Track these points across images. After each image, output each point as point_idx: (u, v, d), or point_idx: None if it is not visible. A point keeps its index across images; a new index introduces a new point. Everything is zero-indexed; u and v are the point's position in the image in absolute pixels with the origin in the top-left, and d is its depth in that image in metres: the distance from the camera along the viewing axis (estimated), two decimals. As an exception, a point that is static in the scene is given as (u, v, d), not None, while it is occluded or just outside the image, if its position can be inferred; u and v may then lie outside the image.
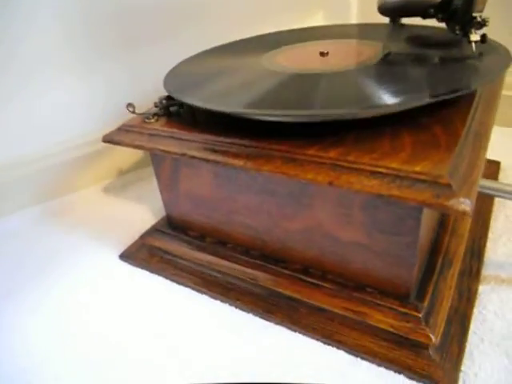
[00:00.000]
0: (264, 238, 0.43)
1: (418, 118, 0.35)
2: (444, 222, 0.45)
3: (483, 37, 0.41)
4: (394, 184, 0.29)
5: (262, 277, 0.43)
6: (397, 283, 0.37)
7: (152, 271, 0.49)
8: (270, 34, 0.57)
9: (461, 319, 0.38)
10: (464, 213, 0.27)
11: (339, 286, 0.39)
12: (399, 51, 0.45)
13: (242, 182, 0.40)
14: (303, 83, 0.40)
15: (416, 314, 0.36)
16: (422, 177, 0.29)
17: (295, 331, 0.40)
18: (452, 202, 0.27)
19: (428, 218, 0.35)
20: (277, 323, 0.41)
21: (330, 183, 0.31)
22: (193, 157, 0.38)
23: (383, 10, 0.45)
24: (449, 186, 0.28)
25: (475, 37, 0.40)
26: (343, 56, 0.45)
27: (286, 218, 0.40)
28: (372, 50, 0.45)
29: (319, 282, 0.40)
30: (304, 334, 0.40)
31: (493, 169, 0.59)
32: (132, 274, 0.49)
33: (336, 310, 0.39)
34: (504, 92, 0.71)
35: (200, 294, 0.45)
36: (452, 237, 0.44)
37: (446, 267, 0.40)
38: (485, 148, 0.34)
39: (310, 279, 0.41)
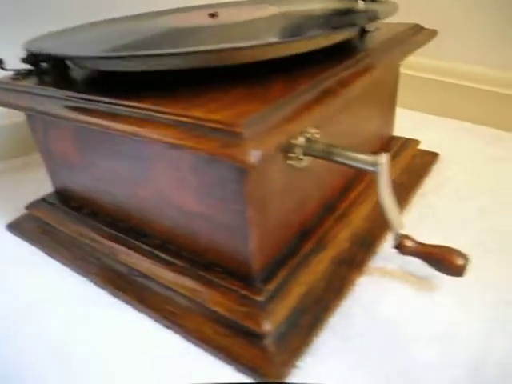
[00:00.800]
0: (125, 208, 0.39)
1: (273, 75, 0.31)
2: (333, 205, 0.40)
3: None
4: (190, 133, 0.25)
5: (123, 252, 0.39)
6: (239, 261, 0.32)
7: (33, 242, 0.46)
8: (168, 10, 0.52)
9: (318, 310, 0.33)
10: (249, 165, 0.22)
11: (189, 264, 0.35)
12: (294, 10, 0.41)
13: (99, 144, 0.36)
14: (177, 35, 0.36)
15: (255, 298, 0.31)
16: (218, 125, 0.24)
17: (141, 311, 0.36)
18: (236, 151, 0.23)
19: (264, 184, 0.31)
20: (125, 302, 0.37)
21: (133, 134, 0.27)
22: (50, 114, 0.35)
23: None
24: (240, 135, 0.23)
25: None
26: (232, 16, 0.41)
27: (136, 184, 0.36)
28: (265, 11, 0.41)
29: (172, 259, 0.36)
30: (149, 316, 0.35)
31: (426, 159, 0.54)
32: (17, 245, 0.46)
33: (181, 291, 0.34)
34: (454, 81, 0.65)
35: (68, 268, 0.42)
36: (338, 221, 0.39)
37: (315, 252, 0.36)
38: (333, 107, 0.29)
39: (164, 255, 0.37)
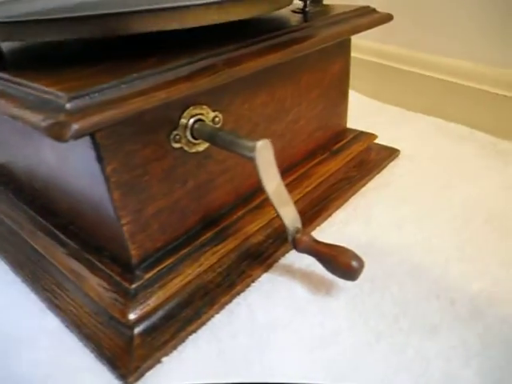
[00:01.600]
0: (34, 187, 0.38)
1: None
2: (249, 197, 0.38)
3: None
4: (25, 105, 0.23)
5: (29, 230, 0.38)
6: (120, 245, 0.30)
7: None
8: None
9: (202, 305, 0.31)
10: (64, 140, 0.21)
11: (81, 246, 0.34)
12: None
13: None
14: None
15: (126, 285, 0.29)
16: (47, 97, 0.23)
17: (32, 291, 0.35)
18: (54, 125, 0.21)
19: (135, 166, 0.29)
20: (23, 280, 0.36)
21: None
22: None
23: None
24: (62, 107, 0.22)
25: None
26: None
27: (32, 162, 0.35)
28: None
29: (68, 240, 0.35)
30: (38, 296, 0.34)
31: (383, 155, 0.50)
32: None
33: (68, 273, 0.33)
34: (426, 72, 0.61)
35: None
36: (250, 213, 0.37)
37: (214, 242, 0.34)
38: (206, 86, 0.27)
39: (62, 236, 0.35)
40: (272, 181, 0.28)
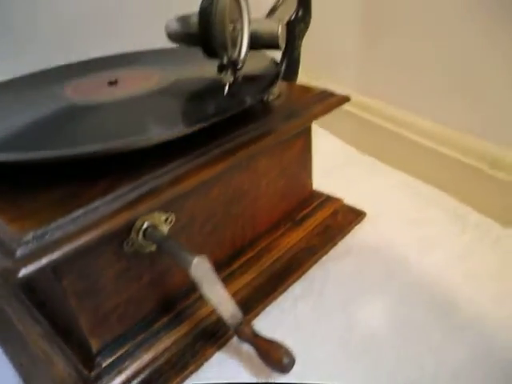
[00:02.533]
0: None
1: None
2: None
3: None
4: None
5: (13, 304, 0.42)
6: (81, 335, 0.34)
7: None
8: (79, 63, 0.54)
9: None
10: (18, 280, 0.24)
11: (53, 328, 0.38)
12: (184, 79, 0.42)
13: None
14: (66, 117, 0.38)
15: (87, 372, 0.33)
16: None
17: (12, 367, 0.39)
18: (6, 269, 0.25)
19: (90, 275, 0.33)
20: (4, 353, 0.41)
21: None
22: None
23: (171, 39, 0.42)
24: (13, 253, 0.25)
25: (228, 78, 0.36)
26: (130, 85, 0.43)
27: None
28: (159, 78, 0.43)
29: (42, 318, 0.39)
30: (16, 370, 0.39)
31: (349, 219, 0.53)
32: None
33: (39, 352, 0.37)
34: (401, 130, 0.63)
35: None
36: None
37: (170, 326, 0.37)
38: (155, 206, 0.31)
39: (37, 313, 0.40)
40: (210, 288, 0.32)
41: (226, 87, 0.36)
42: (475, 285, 0.43)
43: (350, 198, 0.55)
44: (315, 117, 0.43)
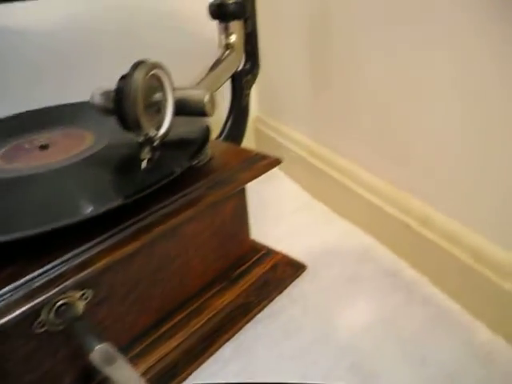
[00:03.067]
0: None
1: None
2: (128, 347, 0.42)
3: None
4: None
5: None
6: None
7: None
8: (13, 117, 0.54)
9: None
10: None
11: None
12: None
13: None
14: None
15: None
16: None
17: None
18: None
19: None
20: None
21: None
22: None
23: (95, 110, 0.42)
24: None
25: (145, 155, 0.37)
26: (59, 151, 0.43)
27: None
28: (91, 142, 0.44)
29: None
30: None
31: (288, 272, 0.54)
32: None
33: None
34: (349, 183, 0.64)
35: None
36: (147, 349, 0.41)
37: None
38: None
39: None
40: (114, 371, 0.32)
41: (144, 163, 0.37)
42: (399, 348, 0.44)
43: (295, 248, 0.56)
44: (244, 183, 0.44)
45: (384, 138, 0.56)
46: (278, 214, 0.67)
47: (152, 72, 0.37)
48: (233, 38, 0.57)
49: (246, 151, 0.47)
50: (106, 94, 0.39)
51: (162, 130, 0.38)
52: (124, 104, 0.35)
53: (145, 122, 0.36)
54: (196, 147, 0.43)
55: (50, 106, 0.56)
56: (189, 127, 0.47)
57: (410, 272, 0.53)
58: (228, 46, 0.58)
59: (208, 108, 0.44)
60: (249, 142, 0.74)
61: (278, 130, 0.80)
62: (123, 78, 0.37)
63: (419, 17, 0.46)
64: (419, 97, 0.48)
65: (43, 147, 0.44)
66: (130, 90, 0.35)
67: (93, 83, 0.41)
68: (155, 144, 0.37)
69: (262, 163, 0.46)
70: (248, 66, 0.63)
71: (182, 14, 0.77)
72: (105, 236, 0.34)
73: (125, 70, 0.36)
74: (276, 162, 0.47)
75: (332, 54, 0.63)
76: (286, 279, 0.53)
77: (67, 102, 0.56)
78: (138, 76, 0.35)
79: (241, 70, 0.62)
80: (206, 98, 0.43)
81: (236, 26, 0.57)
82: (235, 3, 0.55)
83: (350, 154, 0.63)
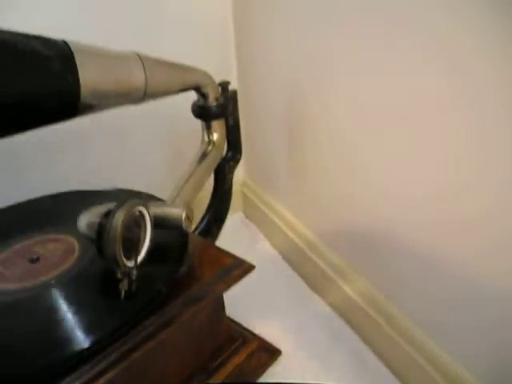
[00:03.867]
0: None
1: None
2: None
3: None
4: None
5: None
6: None
7: None
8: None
9: None
10: None
11: None
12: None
13: None
14: None
15: None
16: None
17: None
18: None
19: None
20: None
21: None
22: None
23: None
24: None
25: (123, 286, 0.41)
26: (48, 265, 0.47)
27: None
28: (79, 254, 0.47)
29: None
30: None
31: (264, 359, 0.57)
32: None
33: None
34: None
35: None
36: None
37: None
38: None
39: None
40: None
41: (122, 294, 0.41)
42: None
43: (272, 329, 0.60)
44: (218, 294, 0.48)
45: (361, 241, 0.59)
46: (256, 288, 0.70)
47: (134, 209, 0.41)
48: (215, 136, 0.62)
49: (222, 257, 0.51)
50: (90, 224, 0.42)
51: (139, 260, 0.42)
52: (104, 244, 0.39)
53: (122, 259, 0.40)
54: (175, 266, 0.47)
55: (39, 197, 0.59)
56: (167, 236, 0.50)
57: (375, 364, 0.56)
58: (210, 142, 0.62)
59: (185, 225, 0.48)
60: (235, 206, 0.78)
61: (262, 199, 0.84)
62: (106, 215, 0.41)
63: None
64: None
65: (33, 261, 0.48)
66: (109, 232, 0.39)
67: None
68: (132, 276, 0.40)
69: (236, 272, 0.50)
70: (230, 154, 0.67)
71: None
72: (83, 369, 0.38)
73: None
74: (250, 269, 0.51)
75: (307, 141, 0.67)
76: (261, 367, 0.57)
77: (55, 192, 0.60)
78: (119, 218, 0.39)
79: (224, 158, 0.66)
80: (183, 216, 0.47)
81: (218, 124, 0.61)
82: (217, 106, 0.60)
83: (327, 239, 0.67)
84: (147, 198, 0.58)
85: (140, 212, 0.42)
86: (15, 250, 0.50)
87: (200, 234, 0.66)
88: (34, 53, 0.41)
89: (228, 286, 0.48)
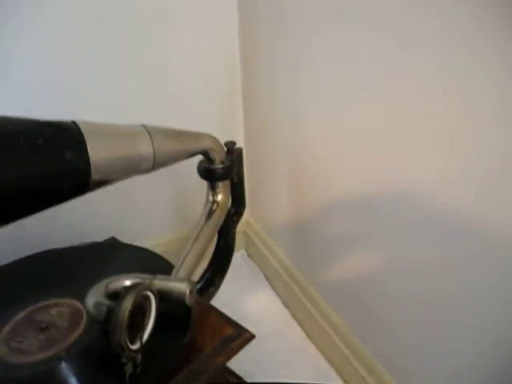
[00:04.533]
0: None
1: None
2: None
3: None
4: None
5: None
6: None
7: None
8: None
9: None
10: None
11: None
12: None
13: None
14: None
15: None
16: None
17: None
18: None
19: None
20: None
21: None
22: None
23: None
24: None
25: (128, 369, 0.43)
26: (57, 336, 0.49)
27: None
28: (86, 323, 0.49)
29: None
30: None
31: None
32: None
33: None
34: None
35: None
36: None
37: None
38: None
39: None
40: None
41: (127, 376, 0.43)
42: None
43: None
44: (218, 367, 0.50)
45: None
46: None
47: (141, 294, 0.43)
48: (219, 197, 0.63)
49: (223, 326, 0.53)
50: (97, 305, 0.44)
51: (143, 341, 0.43)
52: (111, 329, 0.41)
53: (127, 345, 0.42)
54: (178, 341, 0.48)
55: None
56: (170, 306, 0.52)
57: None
58: (214, 202, 0.63)
59: (189, 300, 0.50)
60: (238, 244, 0.80)
61: (264, 241, 0.86)
62: (114, 296, 0.42)
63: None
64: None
65: (43, 329, 0.50)
66: (116, 320, 0.41)
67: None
68: (137, 361, 0.42)
69: (236, 342, 0.52)
70: (234, 209, 0.69)
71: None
72: None
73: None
74: (250, 338, 0.52)
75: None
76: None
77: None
78: (126, 307, 0.41)
79: (227, 213, 0.68)
80: (187, 292, 0.49)
81: (223, 184, 0.63)
82: (222, 168, 0.61)
83: (324, 291, 0.69)
84: (149, 256, 0.60)
85: (146, 296, 0.44)
86: (22, 318, 0.52)
87: (203, 285, 0.68)
88: (49, 143, 0.43)
89: (228, 358, 0.50)
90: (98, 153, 0.45)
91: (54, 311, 0.53)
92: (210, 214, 0.63)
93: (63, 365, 0.46)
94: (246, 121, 0.81)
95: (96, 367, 0.46)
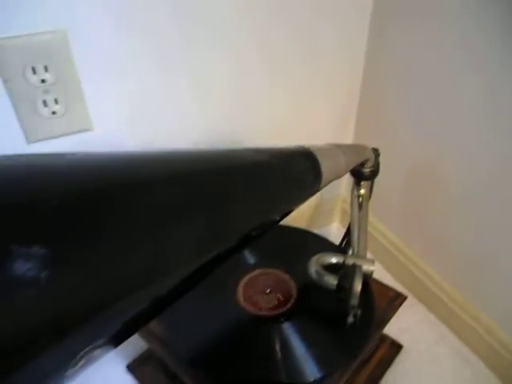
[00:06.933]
0: None
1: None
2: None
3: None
4: None
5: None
6: None
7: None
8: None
9: None
10: None
11: None
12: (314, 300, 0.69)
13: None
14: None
15: None
16: None
17: None
18: None
19: None
20: None
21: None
22: None
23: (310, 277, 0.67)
24: None
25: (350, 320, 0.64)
26: (277, 298, 0.69)
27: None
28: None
29: None
30: None
31: (392, 353, 0.82)
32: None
33: None
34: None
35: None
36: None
37: None
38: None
39: None
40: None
41: (350, 321, 0.63)
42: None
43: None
44: (388, 321, 0.71)
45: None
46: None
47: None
48: (362, 191, 0.82)
49: (384, 291, 0.73)
50: (318, 274, 0.64)
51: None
52: (343, 300, 0.61)
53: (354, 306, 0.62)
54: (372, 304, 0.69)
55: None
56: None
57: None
58: (359, 196, 0.82)
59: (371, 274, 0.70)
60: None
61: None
62: (343, 277, 0.62)
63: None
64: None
65: (267, 293, 0.69)
66: (349, 297, 0.60)
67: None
68: (358, 313, 0.63)
69: (397, 302, 0.73)
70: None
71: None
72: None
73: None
74: (404, 299, 0.73)
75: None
76: (390, 359, 0.81)
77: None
78: (357, 287, 0.61)
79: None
80: (373, 268, 0.69)
81: (367, 183, 0.82)
82: (370, 171, 0.79)
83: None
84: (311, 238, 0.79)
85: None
86: (247, 282, 0.71)
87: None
88: (298, 172, 0.59)
89: (393, 313, 0.71)
90: (325, 174, 0.63)
91: (270, 279, 0.72)
92: (361, 205, 0.81)
93: (295, 320, 0.66)
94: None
95: (319, 323, 0.66)
